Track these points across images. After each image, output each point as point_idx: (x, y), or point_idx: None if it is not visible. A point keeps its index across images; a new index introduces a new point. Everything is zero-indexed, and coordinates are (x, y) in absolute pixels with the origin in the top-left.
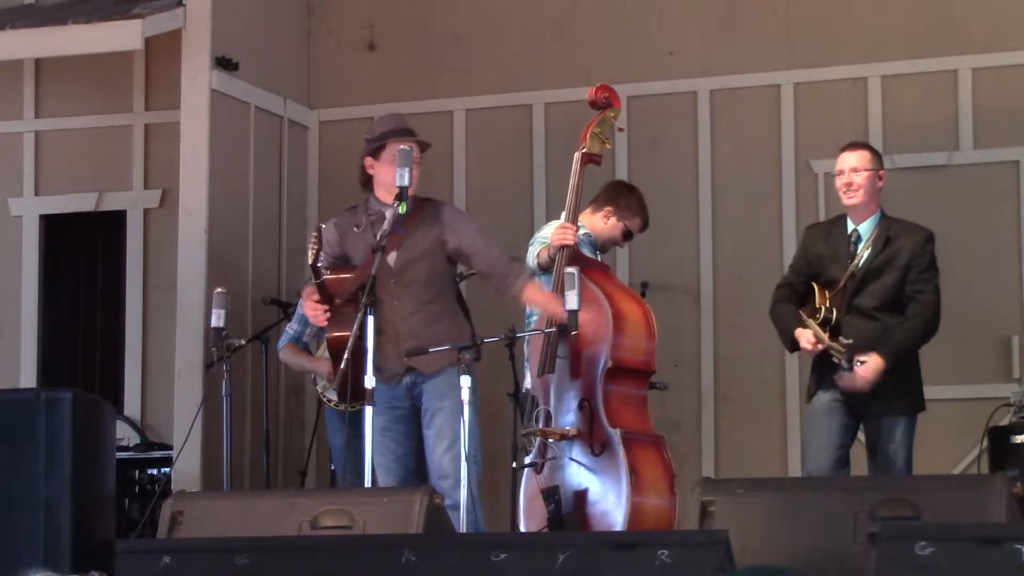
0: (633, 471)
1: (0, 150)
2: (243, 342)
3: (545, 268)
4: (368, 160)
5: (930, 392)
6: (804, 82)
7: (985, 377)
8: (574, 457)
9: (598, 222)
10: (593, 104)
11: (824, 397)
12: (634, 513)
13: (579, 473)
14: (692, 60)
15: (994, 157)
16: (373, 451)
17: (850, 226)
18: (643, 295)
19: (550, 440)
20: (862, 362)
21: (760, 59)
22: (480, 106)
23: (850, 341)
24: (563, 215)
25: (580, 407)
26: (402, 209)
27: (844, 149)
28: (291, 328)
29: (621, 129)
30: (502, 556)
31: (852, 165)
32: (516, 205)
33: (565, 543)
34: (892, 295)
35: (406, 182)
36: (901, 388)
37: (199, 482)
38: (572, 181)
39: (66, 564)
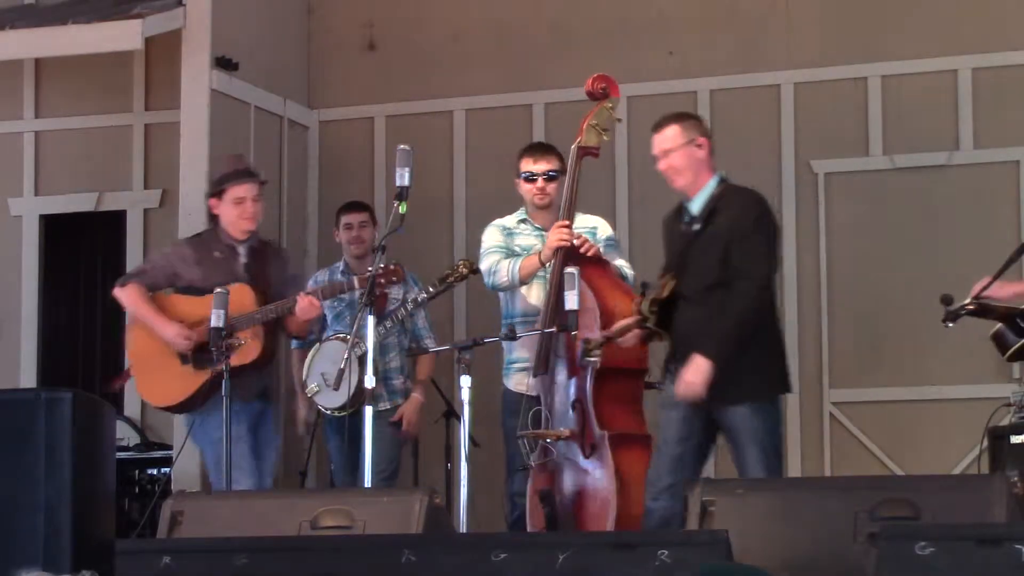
0: (619, 473)
1: (0, 150)
2: (243, 342)
3: (527, 282)
4: (212, 201)
5: (930, 392)
6: (804, 82)
7: (985, 377)
8: (569, 458)
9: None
10: (590, 95)
11: (668, 390)
12: (621, 516)
13: (574, 475)
14: (692, 60)
15: (994, 157)
16: (234, 453)
17: (687, 207)
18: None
19: (548, 441)
20: (592, 357)
21: (760, 59)
22: (480, 106)
23: (599, 340)
24: (560, 211)
25: (574, 408)
26: (402, 209)
27: (653, 128)
28: None
29: (619, 119)
30: (502, 556)
31: (662, 148)
32: (516, 205)
33: (565, 543)
34: (716, 275)
35: (406, 182)
36: (739, 373)
37: (199, 482)
38: (568, 175)
39: (66, 564)
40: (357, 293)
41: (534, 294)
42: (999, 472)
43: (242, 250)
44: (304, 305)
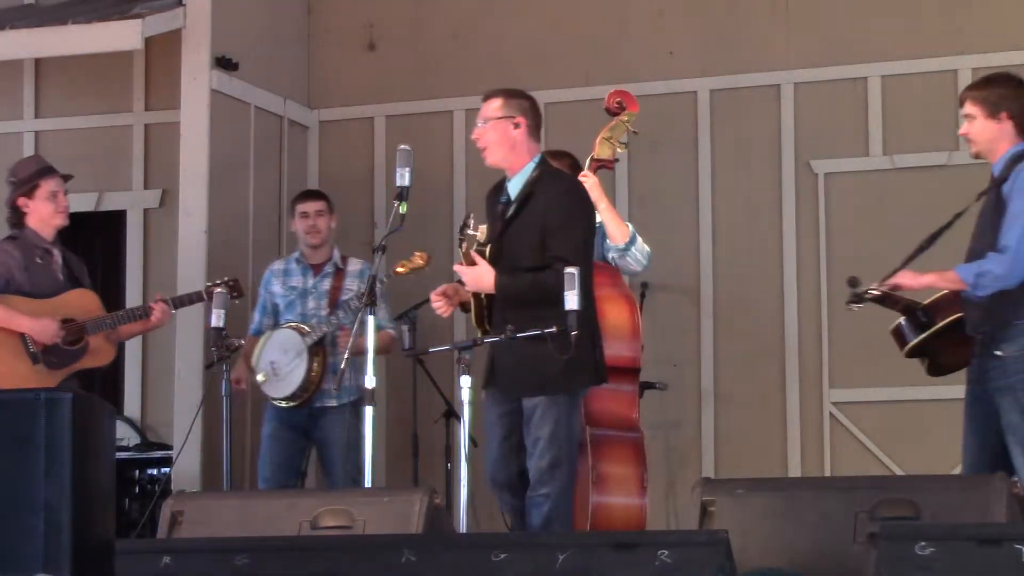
0: (594, 469)
1: (0, 150)
2: (243, 342)
3: None
4: (21, 200)
5: (930, 392)
6: (804, 82)
7: None
8: None
9: None
10: (608, 111)
11: (489, 392)
12: (596, 513)
13: None
14: (692, 60)
15: None
16: None
17: (506, 186)
18: (643, 295)
19: None
20: None
21: (760, 59)
22: (480, 106)
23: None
24: None
25: None
26: (403, 209)
27: (482, 98)
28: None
29: (635, 132)
30: (502, 556)
31: (480, 116)
32: None
33: (565, 543)
34: (531, 262)
35: (406, 182)
36: (533, 365)
37: (199, 482)
38: None
39: (66, 564)
40: (311, 282)
41: None
42: (999, 472)
43: (56, 253)
44: (159, 314)
